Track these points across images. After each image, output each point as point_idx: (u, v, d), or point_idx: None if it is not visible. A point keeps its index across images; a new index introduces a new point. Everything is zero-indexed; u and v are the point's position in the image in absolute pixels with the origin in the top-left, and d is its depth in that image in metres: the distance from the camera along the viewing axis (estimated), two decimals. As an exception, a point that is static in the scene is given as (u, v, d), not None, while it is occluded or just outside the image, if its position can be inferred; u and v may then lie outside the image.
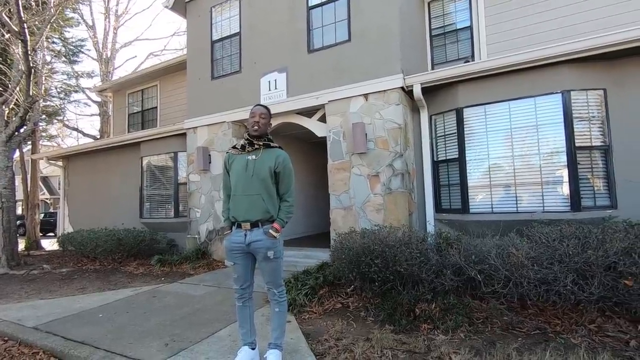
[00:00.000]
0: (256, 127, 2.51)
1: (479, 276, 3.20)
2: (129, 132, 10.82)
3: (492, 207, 4.74)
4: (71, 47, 13.05)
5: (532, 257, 3.06)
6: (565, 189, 4.36)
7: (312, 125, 6.15)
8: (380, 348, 2.71)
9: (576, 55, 4.29)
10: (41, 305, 4.36)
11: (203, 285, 5.01)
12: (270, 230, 2.43)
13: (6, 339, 3.40)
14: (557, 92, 4.44)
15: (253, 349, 2.54)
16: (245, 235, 2.44)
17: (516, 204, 4.60)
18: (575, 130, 4.37)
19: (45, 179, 28.55)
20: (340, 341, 2.91)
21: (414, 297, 3.40)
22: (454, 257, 3.40)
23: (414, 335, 2.94)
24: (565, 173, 4.37)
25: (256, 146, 2.53)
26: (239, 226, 2.47)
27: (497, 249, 3.26)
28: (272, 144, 2.58)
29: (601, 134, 4.42)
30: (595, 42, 4.19)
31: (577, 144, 4.35)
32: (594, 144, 4.40)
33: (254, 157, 2.50)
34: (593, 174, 4.37)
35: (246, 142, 2.54)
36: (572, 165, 4.32)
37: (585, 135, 4.41)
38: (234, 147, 2.65)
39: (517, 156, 4.65)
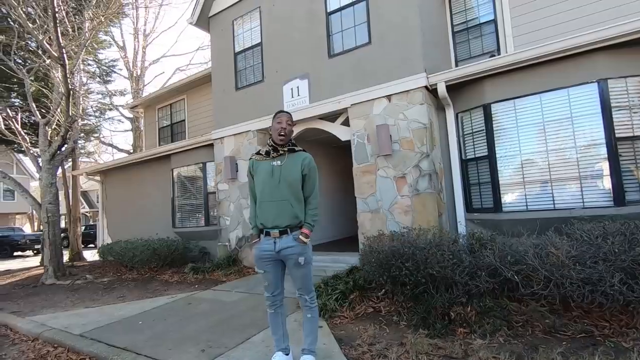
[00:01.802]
0: (283, 133, 2.49)
1: (516, 277, 3.07)
2: (159, 145, 11.26)
3: (526, 205, 4.55)
4: (104, 68, 13.84)
5: (573, 256, 2.90)
6: (607, 183, 4.12)
7: (336, 129, 6.16)
8: (415, 353, 2.65)
9: (612, 41, 4.07)
10: (86, 314, 4.60)
11: (235, 291, 5.11)
12: (301, 237, 2.43)
13: (56, 345, 3.61)
14: (592, 82, 4.21)
15: (287, 354, 2.56)
16: (275, 242, 2.44)
17: (553, 200, 4.39)
18: (614, 120, 4.13)
19: (84, 194, 30.19)
20: (374, 346, 2.88)
21: (447, 300, 3.30)
22: (488, 258, 3.27)
23: (450, 340, 2.86)
24: (605, 166, 4.13)
25: (281, 152, 2.52)
26: (267, 234, 2.48)
27: (534, 249, 3.12)
28: (296, 148, 2.58)
29: (644, 123, 4.15)
30: (632, 26, 3.95)
31: (617, 135, 4.10)
32: (636, 134, 4.13)
33: (279, 162, 2.50)
34: (637, 166, 4.11)
35: (270, 148, 2.54)
36: (613, 157, 4.08)
37: (626, 125, 4.15)
38: (257, 153, 2.65)
39: (551, 150, 4.44)
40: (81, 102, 9.74)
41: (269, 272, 2.52)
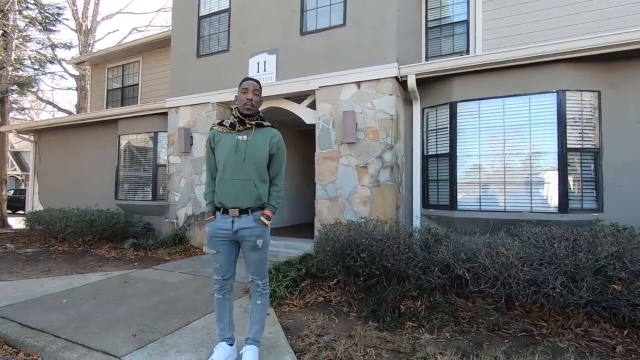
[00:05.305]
0: (249, 105, 2.24)
1: (467, 274, 3.11)
2: (107, 108, 10.28)
3: (480, 205, 4.67)
4: (48, 14, 12.16)
5: (521, 257, 2.98)
6: (554, 190, 4.32)
7: (301, 111, 5.92)
8: (363, 346, 2.58)
9: (574, 54, 4.22)
10: (0, 288, 4.05)
11: (178, 272, 4.78)
12: (262, 218, 2.25)
13: (-45, 323, 3.10)
14: (552, 92, 4.37)
15: (231, 344, 2.35)
16: (233, 221, 2.22)
17: (505, 202, 4.54)
18: (567, 131, 4.32)
19: (17, 154, 27.19)
20: (322, 337, 2.77)
21: (399, 293, 3.28)
22: (442, 254, 3.29)
23: (399, 334, 2.83)
24: (555, 174, 4.33)
25: (248, 125, 2.27)
26: (225, 211, 2.25)
27: (486, 248, 3.17)
28: (264, 123, 2.34)
29: (592, 136, 4.39)
30: (594, 42, 4.12)
31: (568, 145, 4.31)
32: (584, 146, 4.36)
33: (245, 137, 2.25)
34: (582, 176, 4.35)
35: (236, 120, 2.28)
36: (562, 166, 4.28)
37: (577, 136, 4.37)
38: (219, 123, 2.37)
39: (508, 154, 4.58)
40: (14, 48, 8.51)
41: (222, 253, 2.29)
